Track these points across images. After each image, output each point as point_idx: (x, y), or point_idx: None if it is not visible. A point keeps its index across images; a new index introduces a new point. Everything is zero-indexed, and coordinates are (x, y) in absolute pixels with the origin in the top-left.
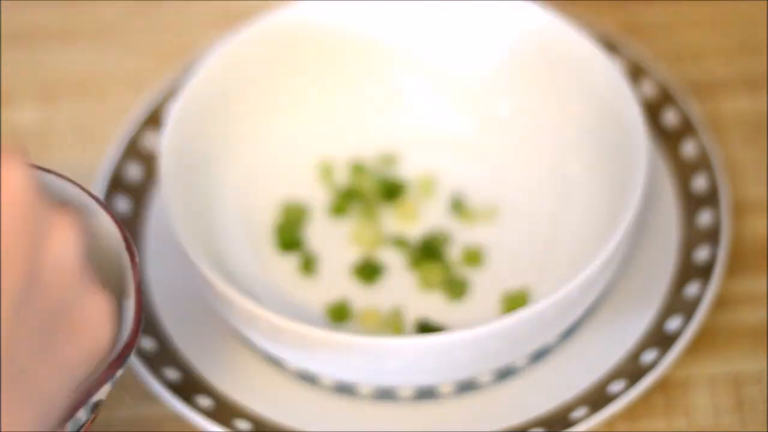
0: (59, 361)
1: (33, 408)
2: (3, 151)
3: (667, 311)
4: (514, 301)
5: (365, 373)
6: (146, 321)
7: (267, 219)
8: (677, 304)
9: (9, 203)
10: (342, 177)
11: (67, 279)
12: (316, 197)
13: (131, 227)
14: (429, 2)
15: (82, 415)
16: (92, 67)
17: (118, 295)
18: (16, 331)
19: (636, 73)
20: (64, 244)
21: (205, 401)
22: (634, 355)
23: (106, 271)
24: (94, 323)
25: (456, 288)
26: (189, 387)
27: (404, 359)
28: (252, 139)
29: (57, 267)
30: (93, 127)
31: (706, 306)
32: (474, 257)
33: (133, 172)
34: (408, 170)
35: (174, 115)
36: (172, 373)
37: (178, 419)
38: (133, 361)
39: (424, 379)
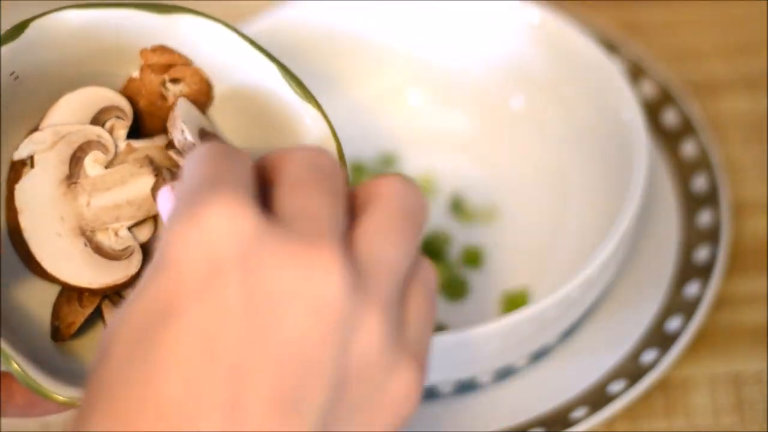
0: None
1: None
2: (317, 241)
3: (667, 311)
4: (514, 301)
5: None
6: None
7: None
8: (677, 304)
9: (321, 309)
10: None
11: (373, 368)
12: None
13: None
14: (429, 2)
15: None
16: None
17: None
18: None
19: (636, 73)
20: (370, 333)
21: None
22: (634, 355)
23: None
24: (400, 400)
25: (456, 288)
26: None
27: None
28: None
29: (363, 362)
30: None
31: (706, 306)
32: (474, 257)
33: None
34: (408, 170)
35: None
36: None
37: None
38: None
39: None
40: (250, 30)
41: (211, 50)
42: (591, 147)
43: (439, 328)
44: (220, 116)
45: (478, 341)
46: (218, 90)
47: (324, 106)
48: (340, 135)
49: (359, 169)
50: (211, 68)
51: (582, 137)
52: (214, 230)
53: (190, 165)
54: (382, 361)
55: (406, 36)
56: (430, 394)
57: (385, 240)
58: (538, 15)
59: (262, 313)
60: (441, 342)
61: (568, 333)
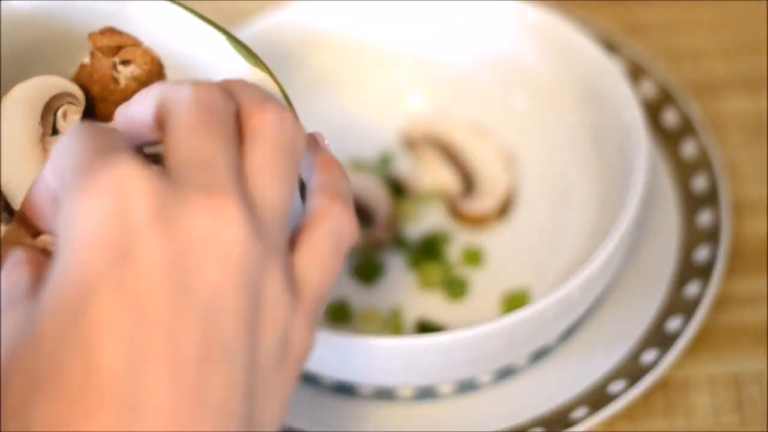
0: (280, 389)
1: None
2: (216, 190)
3: (667, 311)
4: (514, 301)
5: (365, 373)
6: None
7: None
8: (677, 304)
9: (231, 258)
10: None
11: (280, 311)
12: None
13: None
14: (428, 2)
15: None
16: None
17: None
18: (252, 369)
19: (636, 73)
20: (275, 277)
21: None
22: (634, 355)
23: None
24: (303, 343)
25: (456, 288)
26: None
27: (404, 359)
28: None
29: (271, 305)
30: None
31: (706, 306)
32: (474, 257)
33: None
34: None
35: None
36: None
37: None
38: None
39: (424, 379)
40: (250, 30)
41: (159, 28)
42: (591, 147)
43: (439, 328)
44: None
45: (478, 341)
46: (170, 68)
47: (324, 106)
48: (340, 134)
49: (359, 169)
50: (160, 47)
51: (582, 137)
52: (120, 195)
53: (66, 145)
54: (285, 303)
55: (406, 36)
56: (430, 394)
57: (270, 181)
58: (537, 15)
59: (181, 267)
60: (441, 342)
61: (568, 333)
